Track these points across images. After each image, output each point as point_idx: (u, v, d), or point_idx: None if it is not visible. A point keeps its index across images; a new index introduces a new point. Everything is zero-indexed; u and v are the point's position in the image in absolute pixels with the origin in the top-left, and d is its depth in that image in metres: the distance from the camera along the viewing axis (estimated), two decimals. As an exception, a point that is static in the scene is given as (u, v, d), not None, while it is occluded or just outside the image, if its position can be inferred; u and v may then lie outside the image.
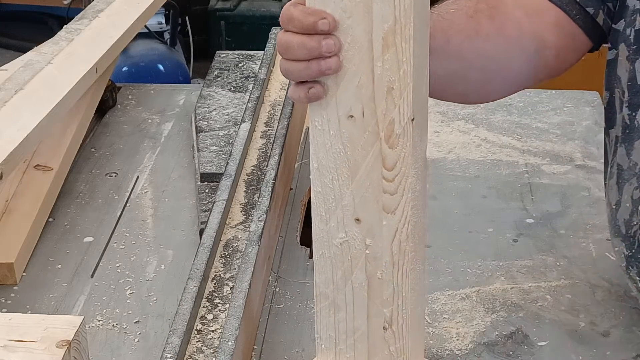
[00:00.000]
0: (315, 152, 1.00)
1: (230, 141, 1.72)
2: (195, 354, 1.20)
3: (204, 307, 1.28)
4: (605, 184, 1.34)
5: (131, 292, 1.42)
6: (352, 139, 0.98)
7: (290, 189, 1.69)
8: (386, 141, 0.97)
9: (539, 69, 1.23)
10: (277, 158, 1.56)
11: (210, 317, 1.26)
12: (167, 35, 3.49)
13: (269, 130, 1.72)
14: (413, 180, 0.99)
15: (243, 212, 1.49)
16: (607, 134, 1.31)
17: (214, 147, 1.73)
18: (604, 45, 1.26)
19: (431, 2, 0.97)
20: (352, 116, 0.97)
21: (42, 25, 3.54)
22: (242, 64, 2.09)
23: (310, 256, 1.50)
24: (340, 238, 1.03)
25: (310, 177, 1.02)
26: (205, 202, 1.59)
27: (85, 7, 2.01)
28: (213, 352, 1.19)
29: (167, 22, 3.49)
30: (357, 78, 0.95)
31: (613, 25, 1.23)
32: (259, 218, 1.41)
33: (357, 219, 1.01)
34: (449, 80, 1.15)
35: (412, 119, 0.96)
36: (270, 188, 1.48)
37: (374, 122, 0.97)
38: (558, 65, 1.24)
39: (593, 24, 1.22)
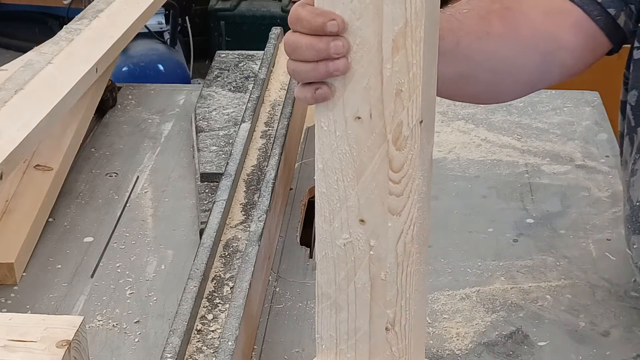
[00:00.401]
0: (321, 152, 1.00)
1: (230, 141, 1.72)
2: (195, 354, 1.20)
3: (204, 307, 1.28)
4: (625, 181, 1.32)
5: (131, 292, 1.42)
6: (358, 141, 0.97)
7: (290, 189, 1.69)
8: (394, 143, 0.96)
9: (555, 70, 1.21)
10: (277, 158, 1.56)
11: (210, 317, 1.26)
12: (167, 35, 3.48)
13: (269, 130, 1.72)
14: (420, 182, 0.98)
15: (243, 212, 1.49)
16: (634, 132, 1.28)
17: (214, 147, 1.73)
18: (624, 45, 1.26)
19: (442, 3, 0.96)
20: (359, 117, 0.96)
21: (42, 25, 3.53)
22: (242, 64, 2.09)
23: (311, 256, 1.50)
24: (344, 239, 1.02)
25: (315, 177, 1.02)
26: (205, 202, 1.59)
27: (85, 7, 2.01)
28: (213, 352, 1.19)
29: (167, 22, 3.48)
30: (365, 80, 0.94)
31: None
32: (259, 218, 1.41)
33: (362, 220, 1.01)
34: (458, 82, 1.14)
35: (421, 121, 0.95)
36: (270, 188, 1.48)
37: (382, 124, 0.96)
38: (576, 66, 1.23)
39: (614, 25, 1.21)
